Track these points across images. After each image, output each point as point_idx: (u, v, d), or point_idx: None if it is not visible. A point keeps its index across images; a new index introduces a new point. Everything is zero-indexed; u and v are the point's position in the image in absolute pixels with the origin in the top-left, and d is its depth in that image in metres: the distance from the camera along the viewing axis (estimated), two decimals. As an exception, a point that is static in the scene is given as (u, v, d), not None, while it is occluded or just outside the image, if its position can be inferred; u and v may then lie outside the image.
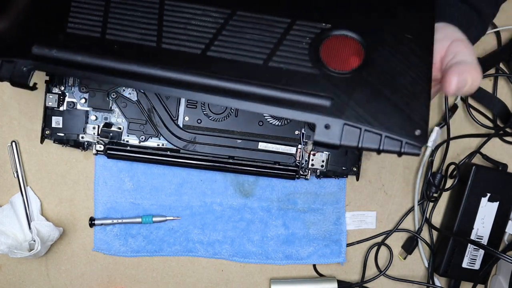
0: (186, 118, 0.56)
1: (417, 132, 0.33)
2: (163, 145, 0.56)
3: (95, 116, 0.56)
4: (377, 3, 0.37)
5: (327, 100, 0.34)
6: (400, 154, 0.33)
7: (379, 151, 0.33)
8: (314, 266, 0.61)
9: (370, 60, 0.35)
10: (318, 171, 0.58)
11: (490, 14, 0.44)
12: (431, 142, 0.61)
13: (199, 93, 0.34)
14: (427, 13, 0.37)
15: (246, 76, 0.34)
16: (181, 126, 0.56)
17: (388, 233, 0.62)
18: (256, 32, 0.36)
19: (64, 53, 0.35)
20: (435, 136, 0.61)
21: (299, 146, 0.57)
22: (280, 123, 0.56)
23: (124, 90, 0.55)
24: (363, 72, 0.35)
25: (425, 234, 0.62)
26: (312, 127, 0.56)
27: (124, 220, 0.58)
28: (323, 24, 0.36)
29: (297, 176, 0.57)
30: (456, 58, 0.35)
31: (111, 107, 0.55)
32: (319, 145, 0.34)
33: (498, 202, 0.59)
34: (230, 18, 0.36)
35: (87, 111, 0.55)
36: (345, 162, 0.57)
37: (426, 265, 0.62)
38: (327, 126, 0.33)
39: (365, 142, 0.33)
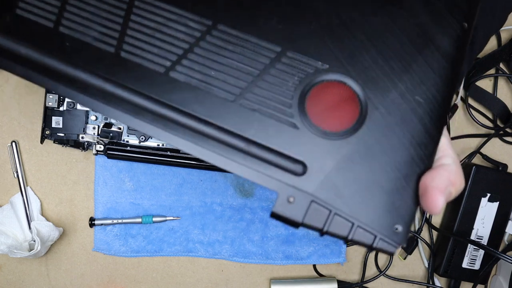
0: (186, 118, 0.56)
1: (397, 228, 0.27)
2: (163, 145, 0.56)
3: (95, 116, 0.56)
4: (394, 55, 0.29)
5: (299, 166, 0.28)
6: (371, 248, 0.28)
7: (346, 240, 0.28)
8: (314, 266, 0.61)
9: (366, 123, 0.28)
10: (318, 171, 0.58)
11: (477, 50, 0.40)
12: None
13: (148, 124, 0.28)
14: (446, 77, 0.30)
15: (209, 114, 0.28)
16: (181, 126, 0.56)
17: (388, 233, 0.62)
18: (236, 57, 0.29)
19: (7, 40, 0.29)
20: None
21: (299, 146, 0.57)
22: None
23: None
24: (353, 138, 0.28)
25: (425, 234, 0.62)
26: None
27: (124, 220, 0.58)
28: (320, 62, 0.29)
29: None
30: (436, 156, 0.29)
31: (111, 107, 0.55)
32: (277, 218, 0.28)
33: (498, 202, 0.59)
34: (209, 31, 0.29)
35: (87, 111, 0.55)
36: (345, 162, 0.57)
37: (426, 265, 0.62)
38: (290, 199, 0.27)
39: (332, 227, 0.27)
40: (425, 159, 0.28)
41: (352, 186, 0.28)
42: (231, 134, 0.28)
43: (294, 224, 0.28)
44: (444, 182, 0.27)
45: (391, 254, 0.28)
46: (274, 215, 0.27)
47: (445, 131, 0.30)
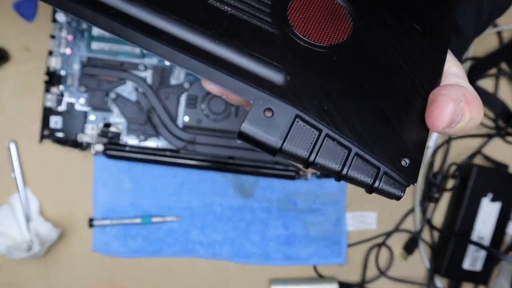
0: (186, 119, 0.55)
1: (404, 162, 0.22)
2: (162, 145, 0.56)
3: (94, 116, 0.55)
4: None
5: (280, 73, 0.21)
6: (371, 188, 0.22)
7: (339, 175, 0.21)
8: (315, 267, 0.61)
9: (359, 41, 0.24)
10: (318, 171, 0.57)
11: (470, 34, 0.38)
12: (432, 142, 0.60)
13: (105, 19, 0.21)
14: (448, 9, 0.26)
15: (169, 7, 0.22)
16: (180, 126, 0.55)
17: (388, 234, 0.62)
18: None
19: None
20: (436, 136, 0.60)
21: (300, 146, 0.56)
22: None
23: (123, 90, 0.55)
24: (346, 53, 0.23)
25: (426, 234, 0.62)
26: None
27: (124, 221, 0.58)
28: None
29: (297, 176, 0.57)
30: (447, 79, 0.25)
31: (110, 107, 0.55)
32: (246, 140, 0.21)
33: (499, 203, 0.58)
34: None
35: (86, 111, 0.55)
36: (346, 163, 0.57)
37: (427, 266, 0.62)
38: (268, 112, 0.21)
39: (321, 155, 0.21)
40: (427, 89, 0.23)
41: (346, 106, 0.22)
42: (192, 28, 0.22)
43: (270, 149, 0.21)
44: (456, 93, 0.22)
45: (397, 198, 0.22)
46: (243, 135, 0.21)
47: (458, 62, 0.27)
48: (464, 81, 0.25)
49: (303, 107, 0.21)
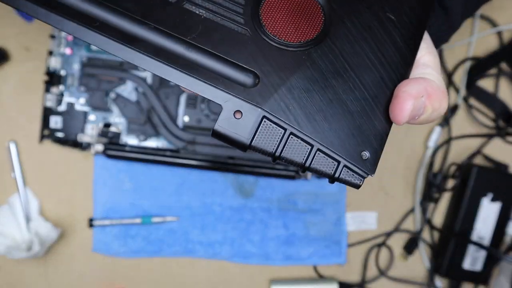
0: (186, 119, 0.55)
1: (365, 154, 0.24)
2: (162, 145, 0.56)
3: (94, 116, 0.55)
4: None
5: (249, 76, 0.24)
6: (332, 179, 0.24)
7: (303, 167, 0.24)
8: (315, 267, 0.61)
9: (329, 35, 0.25)
10: (318, 171, 0.57)
11: (459, 14, 0.35)
12: (432, 143, 0.60)
13: (76, 25, 0.23)
14: None
15: (144, 14, 0.24)
16: (180, 126, 0.55)
17: (389, 234, 0.62)
18: None
19: None
20: (436, 136, 0.60)
21: (300, 146, 0.56)
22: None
23: (123, 90, 0.55)
24: (314, 50, 0.24)
25: (426, 234, 0.62)
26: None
27: (124, 221, 0.58)
28: None
29: (297, 176, 0.57)
30: (416, 69, 0.26)
31: (110, 107, 0.55)
32: (219, 138, 0.24)
33: (499, 203, 0.58)
34: None
35: (86, 111, 0.55)
36: (346, 163, 0.57)
37: (427, 266, 0.62)
38: (237, 113, 0.23)
39: (286, 150, 0.23)
40: (396, 81, 0.25)
41: (311, 104, 0.24)
42: (169, 36, 0.23)
43: (241, 145, 0.23)
44: (417, 89, 0.23)
45: (357, 187, 0.24)
46: (216, 134, 0.23)
47: (433, 49, 0.27)
48: (433, 71, 0.26)
49: (269, 108, 0.23)
